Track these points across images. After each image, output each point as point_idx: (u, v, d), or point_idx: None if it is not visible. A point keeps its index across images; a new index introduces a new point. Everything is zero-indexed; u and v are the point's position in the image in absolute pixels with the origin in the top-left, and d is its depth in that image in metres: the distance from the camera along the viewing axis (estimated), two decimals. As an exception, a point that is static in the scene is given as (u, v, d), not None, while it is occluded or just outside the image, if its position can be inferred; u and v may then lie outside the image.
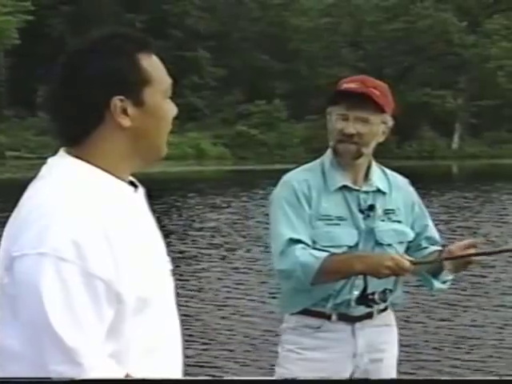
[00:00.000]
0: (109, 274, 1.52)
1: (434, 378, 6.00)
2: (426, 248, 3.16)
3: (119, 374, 1.55)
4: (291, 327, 3.09)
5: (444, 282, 3.11)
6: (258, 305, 8.76)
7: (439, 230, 3.38)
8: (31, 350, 1.51)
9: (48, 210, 1.53)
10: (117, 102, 1.62)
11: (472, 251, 2.96)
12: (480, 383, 2.55)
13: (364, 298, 2.99)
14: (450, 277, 3.12)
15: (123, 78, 1.63)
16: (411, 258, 2.96)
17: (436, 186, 23.60)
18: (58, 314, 1.48)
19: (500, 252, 4.74)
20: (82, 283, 1.49)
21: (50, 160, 1.69)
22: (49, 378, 1.50)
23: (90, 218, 1.54)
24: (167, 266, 1.75)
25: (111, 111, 1.62)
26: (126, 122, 1.64)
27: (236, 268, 10.91)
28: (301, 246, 2.93)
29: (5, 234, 1.62)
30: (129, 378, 1.51)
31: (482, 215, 16.75)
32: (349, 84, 3.01)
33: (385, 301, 3.03)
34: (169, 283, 1.74)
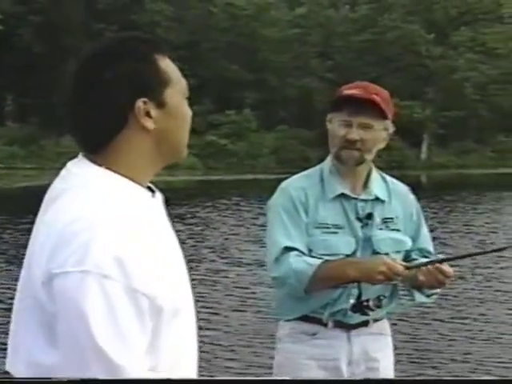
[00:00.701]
0: (152, 289, 1.51)
1: (434, 378, 6.05)
2: (414, 260, 3.11)
3: None
4: (287, 334, 3.07)
5: (429, 296, 3.07)
6: (221, 319, 8.70)
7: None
8: (73, 367, 1.49)
9: (87, 225, 1.50)
10: (140, 104, 1.61)
11: (448, 270, 2.91)
12: (480, 383, 2.56)
13: (359, 306, 2.96)
14: (437, 290, 3.08)
15: (145, 79, 1.62)
16: (404, 263, 2.94)
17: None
18: (104, 332, 1.46)
19: (492, 251, 4.76)
20: (126, 300, 1.48)
21: (73, 167, 1.65)
22: (49, 378, 1.49)
23: (129, 232, 1.52)
24: (186, 272, 1.73)
25: (135, 114, 1.61)
26: (150, 124, 1.63)
27: (200, 280, 10.83)
28: (295, 253, 2.91)
29: (35, 245, 1.58)
30: (129, 378, 1.49)
31: (449, 225, 16.92)
32: (351, 90, 2.98)
33: (380, 307, 2.99)
34: (190, 291, 1.72)
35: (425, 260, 3.06)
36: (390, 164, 47.75)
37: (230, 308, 9.14)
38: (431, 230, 3.19)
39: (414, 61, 48.58)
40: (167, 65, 1.66)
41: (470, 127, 47.23)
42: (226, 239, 14.54)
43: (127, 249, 1.49)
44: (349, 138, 2.94)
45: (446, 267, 2.92)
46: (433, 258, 3.09)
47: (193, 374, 1.68)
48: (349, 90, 2.98)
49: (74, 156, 1.70)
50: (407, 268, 2.91)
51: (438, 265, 2.92)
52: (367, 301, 2.94)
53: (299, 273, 2.87)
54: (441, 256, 3.08)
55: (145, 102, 1.61)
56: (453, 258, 3.01)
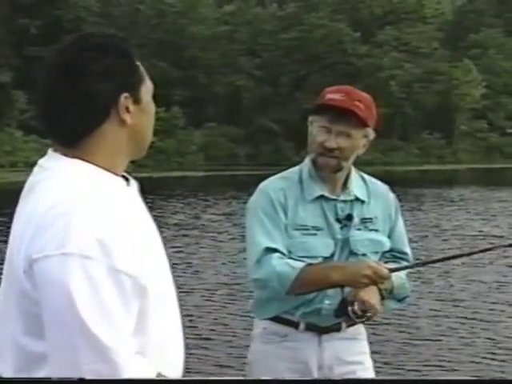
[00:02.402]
0: (134, 269, 1.51)
1: (433, 378, 6.00)
2: (385, 263, 3.01)
3: (150, 371, 1.55)
4: (258, 334, 3.04)
5: (400, 300, 3.03)
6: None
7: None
8: (62, 352, 1.48)
9: (65, 209, 1.51)
10: (123, 99, 1.65)
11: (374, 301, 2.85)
12: (481, 383, 2.55)
13: (344, 309, 2.87)
14: (408, 293, 3.05)
15: (127, 75, 1.67)
16: (388, 266, 2.89)
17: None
18: (91, 312, 1.46)
19: (480, 252, 4.74)
20: (109, 280, 1.48)
21: (45, 162, 1.66)
22: (49, 378, 1.48)
23: (109, 214, 1.53)
24: (166, 260, 1.73)
25: (117, 108, 1.65)
26: (128, 118, 1.67)
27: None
28: (277, 255, 2.86)
29: (15, 238, 1.58)
30: (129, 378, 1.49)
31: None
32: (333, 95, 2.91)
33: (365, 312, 2.88)
34: (170, 278, 1.72)
35: (408, 263, 3.03)
36: (318, 161, 48.28)
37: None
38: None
39: (341, 59, 49.22)
40: (139, 63, 1.73)
41: (396, 125, 48.09)
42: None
43: (107, 230, 1.50)
44: (327, 145, 2.89)
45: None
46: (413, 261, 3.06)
47: (179, 359, 1.70)
48: (331, 95, 2.91)
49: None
50: (392, 271, 2.87)
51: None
52: (352, 303, 2.85)
53: (282, 276, 2.83)
54: (435, 258, 2.98)
55: (126, 97, 1.66)
56: (438, 260, 2.94)
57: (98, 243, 1.48)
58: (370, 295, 2.84)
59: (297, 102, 45.40)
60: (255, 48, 50.59)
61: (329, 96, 2.92)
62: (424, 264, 2.95)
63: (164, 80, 46.82)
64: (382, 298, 2.90)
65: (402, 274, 3.03)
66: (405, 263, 3.07)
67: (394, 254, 3.11)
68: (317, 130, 2.92)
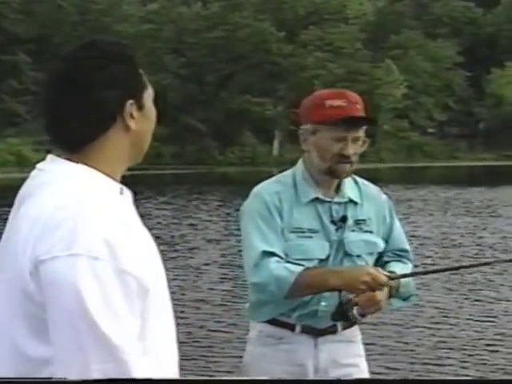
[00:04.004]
0: (138, 271, 1.53)
1: (433, 378, 6.02)
2: (387, 263, 3.07)
3: (156, 372, 1.55)
4: (255, 336, 3.03)
5: (405, 299, 3.03)
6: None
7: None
8: (71, 352, 1.48)
9: (72, 211, 1.52)
10: (129, 105, 1.66)
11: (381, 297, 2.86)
12: (481, 383, 2.58)
13: (342, 312, 2.88)
14: (413, 292, 3.07)
15: (133, 82, 1.69)
16: (387, 273, 2.87)
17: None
18: (100, 312, 1.46)
19: (478, 265, 4.66)
20: (116, 281, 1.49)
21: (45, 166, 1.66)
22: (49, 378, 1.48)
23: (114, 217, 1.55)
24: (162, 266, 1.75)
25: (123, 115, 1.66)
26: (133, 124, 1.67)
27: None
28: (275, 259, 2.87)
29: (17, 240, 1.56)
30: (129, 378, 1.48)
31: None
32: (335, 101, 2.91)
33: (363, 316, 2.90)
34: (166, 282, 1.73)
35: (407, 272, 3.02)
36: (243, 160, 48.57)
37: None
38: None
39: (265, 58, 49.49)
40: (141, 69, 1.74)
41: (320, 124, 48.64)
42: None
43: (114, 232, 1.51)
44: (344, 153, 2.89)
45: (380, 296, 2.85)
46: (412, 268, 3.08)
47: (174, 361, 1.70)
48: (333, 101, 2.91)
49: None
50: (391, 278, 2.85)
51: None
52: (351, 307, 2.86)
53: (280, 280, 2.83)
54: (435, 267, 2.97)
55: (131, 104, 1.66)
56: (440, 270, 3.00)
57: (105, 244, 1.49)
58: (377, 293, 2.84)
59: (222, 101, 45.52)
60: (180, 47, 50.45)
61: (330, 103, 2.91)
62: (425, 273, 2.91)
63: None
64: (390, 295, 2.91)
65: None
66: (407, 262, 3.10)
67: (396, 253, 3.13)
68: (330, 140, 2.90)
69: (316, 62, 49.13)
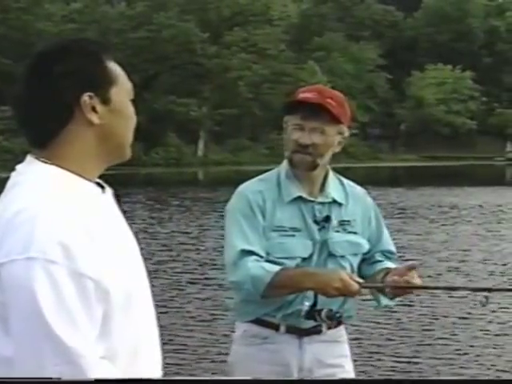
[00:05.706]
0: (97, 273, 1.54)
1: (432, 378, 5.98)
2: (379, 261, 3.11)
3: (115, 374, 1.56)
4: (240, 336, 3.06)
5: (392, 298, 3.03)
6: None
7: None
8: (27, 354, 1.51)
9: (30, 214, 1.54)
10: (86, 98, 1.65)
11: (417, 281, 2.87)
12: (481, 383, 2.60)
13: (312, 313, 2.91)
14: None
15: (91, 75, 1.68)
16: (361, 281, 2.89)
17: (183, 192, 24.16)
18: (54, 315, 1.49)
19: (444, 289, 4.55)
20: (72, 284, 1.51)
21: (20, 167, 1.69)
22: (49, 378, 1.50)
23: (73, 219, 1.56)
24: (142, 265, 1.75)
25: (81, 108, 1.66)
26: (95, 118, 1.67)
27: None
28: (253, 258, 2.89)
29: None
30: (129, 378, 1.53)
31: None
32: (305, 94, 2.97)
33: (331, 320, 2.93)
34: (146, 282, 1.74)
35: (380, 279, 2.99)
36: (168, 161, 48.29)
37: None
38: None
39: (190, 59, 49.42)
40: (113, 65, 1.74)
41: (245, 125, 48.85)
42: None
43: (70, 234, 1.53)
44: (301, 142, 2.93)
45: (416, 280, 2.87)
46: (388, 267, 3.08)
47: (155, 365, 1.72)
48: (303, 94, 2.97)
49: None
50: (363, 287, 2.89)
51: (407, 278, 2.86)
52: (320, 310, 2.91)
53: (256, 279, 2.86)
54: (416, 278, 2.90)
55: (90, 97, 1.66)
56: (401, 287, 2.91)
57: (61, 247, 1.51)
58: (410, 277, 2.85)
59: (146, 102, 45.19)
60: (103, 46, 49.88)
61: (301, 95, 2.98)
62: (394, 287, 2.90)
63: (8, 77, 45.31)
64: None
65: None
66: (391, 263, 3.09)
67: (385, 255, 3.16)
68: (291, 129, 2.97)
69: (240, 63, 49.30)
